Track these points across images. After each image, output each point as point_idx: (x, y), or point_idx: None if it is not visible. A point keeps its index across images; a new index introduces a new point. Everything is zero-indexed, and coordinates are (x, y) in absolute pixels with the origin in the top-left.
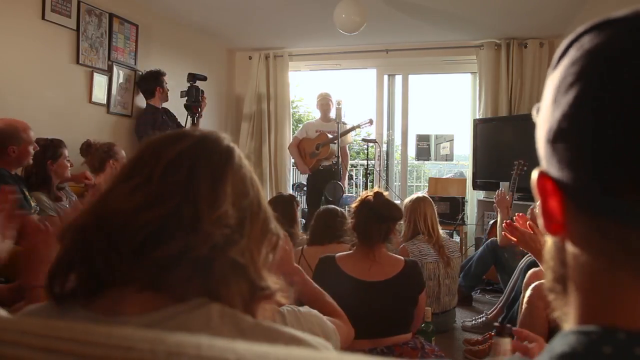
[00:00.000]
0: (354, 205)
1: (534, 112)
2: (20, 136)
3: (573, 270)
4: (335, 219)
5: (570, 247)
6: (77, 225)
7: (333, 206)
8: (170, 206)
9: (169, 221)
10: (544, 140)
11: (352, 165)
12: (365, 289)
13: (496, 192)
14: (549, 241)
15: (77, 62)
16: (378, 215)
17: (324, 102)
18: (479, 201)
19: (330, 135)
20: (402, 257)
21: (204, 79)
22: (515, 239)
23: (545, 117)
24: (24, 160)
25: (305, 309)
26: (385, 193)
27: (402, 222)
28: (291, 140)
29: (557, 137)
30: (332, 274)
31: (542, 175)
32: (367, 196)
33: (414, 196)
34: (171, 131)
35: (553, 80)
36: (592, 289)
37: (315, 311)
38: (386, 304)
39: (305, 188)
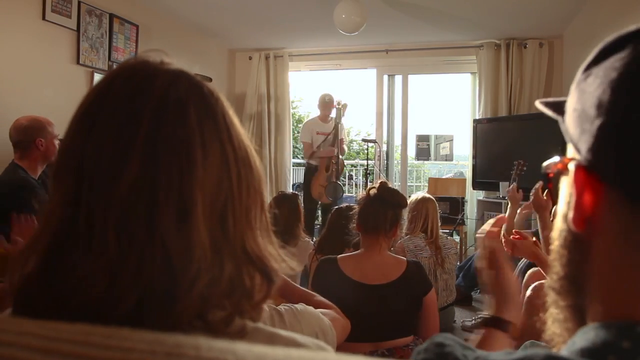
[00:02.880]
0: (359, 198)
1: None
2: (46, 129)
3: (600, 265)
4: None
5: (599, 243)
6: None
7: (346, 206)
8: (138, 287)
9: (138, 310)
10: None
11: (352, 166)
12: (366, 292)
13: (509, 188)
14: (560, 238)
15: (78, 62)
16: (383, 201)
17: (329, 105)
18: (479, 201)
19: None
20: (404, 259)
21: (209, 80)
22: (511, 251)
23: (601, 109)
24: (51, 154)
25: (301, 306)
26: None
27: (405, 218)
28: (291, 141)
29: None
30: (333, 275)
31: (581, 168)
32: (372, 187)
33: (419, 195)
34: (110, 119)
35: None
36: (618, 285)
37: (311, 308)
38: (388, 307)
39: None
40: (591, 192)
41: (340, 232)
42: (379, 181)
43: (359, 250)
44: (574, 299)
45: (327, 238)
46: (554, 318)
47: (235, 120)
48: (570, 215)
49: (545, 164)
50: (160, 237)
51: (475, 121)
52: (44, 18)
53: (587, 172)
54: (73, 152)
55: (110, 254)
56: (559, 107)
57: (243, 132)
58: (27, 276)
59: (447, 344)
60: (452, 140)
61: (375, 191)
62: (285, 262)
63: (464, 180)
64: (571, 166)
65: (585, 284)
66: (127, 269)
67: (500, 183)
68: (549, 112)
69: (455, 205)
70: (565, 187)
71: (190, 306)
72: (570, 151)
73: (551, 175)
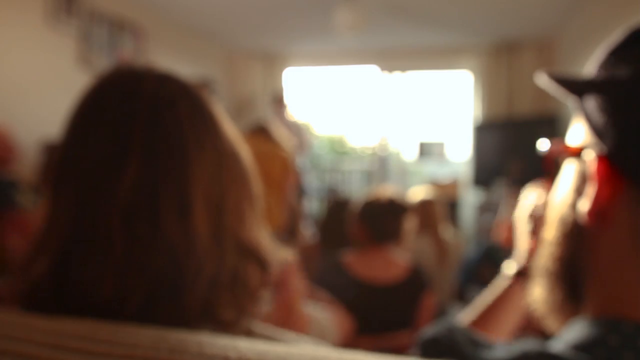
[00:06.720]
0: (360, 203)
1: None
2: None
3: (603, 260)
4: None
5: (607, 238)
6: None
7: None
8: (144, 283)
9: (147, 305)
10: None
11: (347, 172)
12: (372, 293)
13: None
14: (562, 225)
15: (82, 65)
16: (389, 208)
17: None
18: (476, 204)
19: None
20: (408, 261)
21: (209, 82)
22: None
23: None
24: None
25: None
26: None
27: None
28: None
29: None
30: (339, 276)
31: (604, 160)
32: (375, 193)
33: (419, 197)
34: (105, 126)
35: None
36: (617, 283)
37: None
38: (392, 307)
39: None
40: (611, 186)
41: (341, 227)
42: (381, 187)
43: (363, 250)
44: (569, 284)
45: (327, 234)
46: (546, 300)
47: (221, 115)
48: (586, 206)
49: (544, 144)
50: (163, 232)
51: (473, 124)
52: (48, 22)
53: (610, 164)
54: (73, 158)
55: (117, 254)
56: (575, 86)
57: (229, 126)
58: (35, 281)
59: (458, 331)
60: (449, 143)
61: (385, 197)
62: (276, 252)
63: (461, 183)
64: (589, 155)
65: (583, 274)
66: (133, 267)
67: (498, 183)
68: (558, 88)
69: (452, 208)
70: (572, 173)
71: (196, 298)
72: (577, 136)
73: (549, 157)
